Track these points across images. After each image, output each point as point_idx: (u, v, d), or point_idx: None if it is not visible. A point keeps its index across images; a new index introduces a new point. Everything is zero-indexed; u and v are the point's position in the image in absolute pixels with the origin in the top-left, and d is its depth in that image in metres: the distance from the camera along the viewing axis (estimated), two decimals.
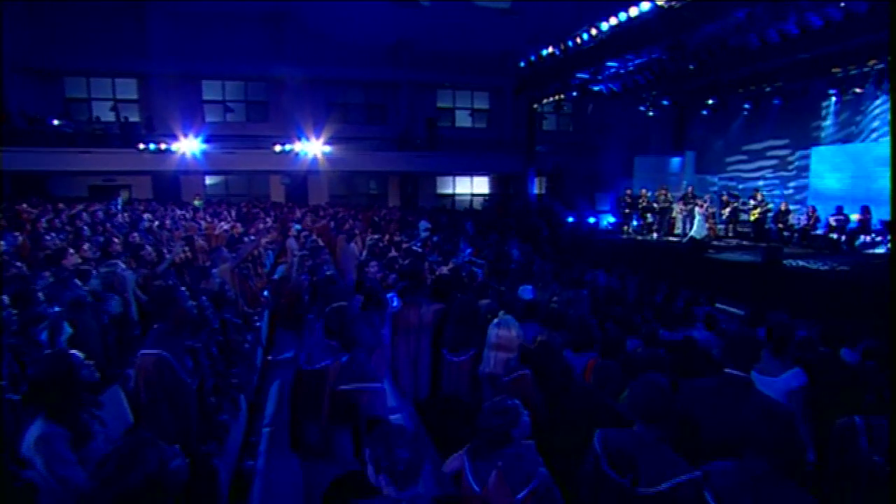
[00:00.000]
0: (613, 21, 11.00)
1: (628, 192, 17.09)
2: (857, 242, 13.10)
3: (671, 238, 15.56)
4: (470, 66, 22.08)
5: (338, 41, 19.88)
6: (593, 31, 11.72)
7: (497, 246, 12.72)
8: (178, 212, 10.45)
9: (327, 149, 19.17)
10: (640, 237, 15.93)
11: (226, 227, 9.37)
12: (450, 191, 25.51)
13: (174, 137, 17.72)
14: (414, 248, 11.72)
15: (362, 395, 2.43)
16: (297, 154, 19.09)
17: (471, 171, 24.67)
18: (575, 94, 14.03)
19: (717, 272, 11.18)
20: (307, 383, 2.81)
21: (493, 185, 25.99)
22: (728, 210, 14.95)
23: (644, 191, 16.60)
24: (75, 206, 12.12)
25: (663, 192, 15.99)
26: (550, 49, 13.70)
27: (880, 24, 9.43)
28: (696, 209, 13.21)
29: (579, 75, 13.04)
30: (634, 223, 16.70)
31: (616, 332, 3.80)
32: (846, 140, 15.38)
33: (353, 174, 22.54)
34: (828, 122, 15.84)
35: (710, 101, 15.64)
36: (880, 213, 13.26)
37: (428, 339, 4.07)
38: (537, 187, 20.11)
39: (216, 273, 3.55)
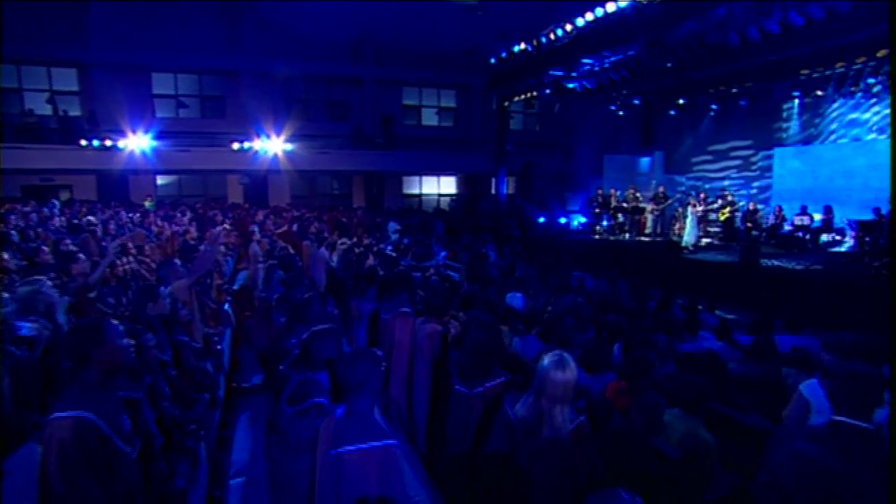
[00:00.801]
0: (589, 17, 10.72)
1: (599, 191, 16.99)
2: (821, 241, 13.38)
3: (643, 238, 15.53)
4: (436, 63, 21.56)
5: (298, 34, 18.96)
6: (568, 27, 11.41)
7: (471, 248, 12.26)
8: (126, 214, 9.46)
9: (288, 147, 18.24)
10: (612, 237, 15.80)
11: (178, 230, 8.48)
12: (416, 191, 24.92)
13: (121, 133, 16.40)
14: (386, 251, 11.11)
15: (369, 457, 1.85)
16: (256, 152, 18.08)
17: (438, 171, 24.16)
18: (548, 91, 13.72)
19: (694, 273, 11.08)
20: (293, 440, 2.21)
21: (460, 184, 25.56)
22: (700, 210, 14.96)
23: (613, 191, 16.53)
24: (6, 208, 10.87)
25: (632, 191, 15.95)
26: (523, 45, 13.35)
27: (853, 27, 9.54)
28: (689, 210, 12.85)
29: (553, 72, 12.72)
30: (605, 223, 16.61)
31: (641, 352, 3.35)
32: (807, 142, 15.72)
33: (315, 174, 21.63)
34: (789, 124, 16.17)
35: (682, 101, 15.67)
36: (840, 212, 13.60)
37: (426, 366, 3.50)
38: (506, 187, 19.78)
39: (166, 293, 2.89)
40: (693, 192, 15.86)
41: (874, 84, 13.09)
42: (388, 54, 20.73)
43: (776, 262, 10.59)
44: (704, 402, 2.77)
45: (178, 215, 11.87)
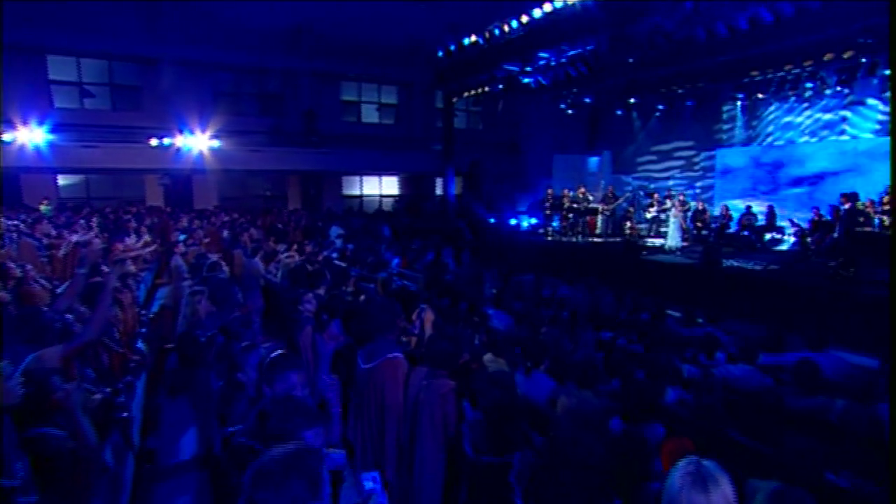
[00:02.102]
0: (548, 7, 10.13)
1: (549, 191, 16.63)
2: (765, 240, 13.66)
3: (595, 239, 15.30)
4: (377, 58, 20.43)
5: (226, 21, 17.21)
6: (524, 19, 10.78)
7: (421, 253, 11.34)
8: (9, 222, 7.71)
9: (215, 144, 16.49)
10: (564, 238, 15.45)
11: (78, 239, 6.94)
12: (357, 192, 23.65)
13: (9, 125, 14.06)
14: (332, 261, 9.98)
15: None
16: (178, 150, 16.21)
17: (380, 171, 23.02)
18: (501, 86, 13.08)
19: (655, 275, 10.81)
20: None
21: (403, 185, 24.56)
22: (653, 210, 14.93)
23: (566, 191, 16.22)
24: None
25: (583, 191, 15.68)
26: (474, 38, 12.61)
27: (805, 29, 9.55)
28: (672, 212, 12.38)
29: (507, 66, 12.07)
30: (555, 224, 16.25)
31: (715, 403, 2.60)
32: (746, 143, 16.13)
33: (246, 173, 19.85)
34: (730, 126, 16.55)
35: (633, 100, 15.56)
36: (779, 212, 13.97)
37: (437, 440, 2.52)
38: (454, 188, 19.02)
39: (19, 373, 1.81)
40: (674, 194, 15.79)
41: (809, 88, 13.51)
42: (327, 46, 19.37)
43: (734, 263, 10.52)
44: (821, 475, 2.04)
45: (82, 222, 10.10)
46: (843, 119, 13.98)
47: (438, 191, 23.38)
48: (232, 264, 8.31)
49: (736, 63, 10.96)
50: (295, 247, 10.68)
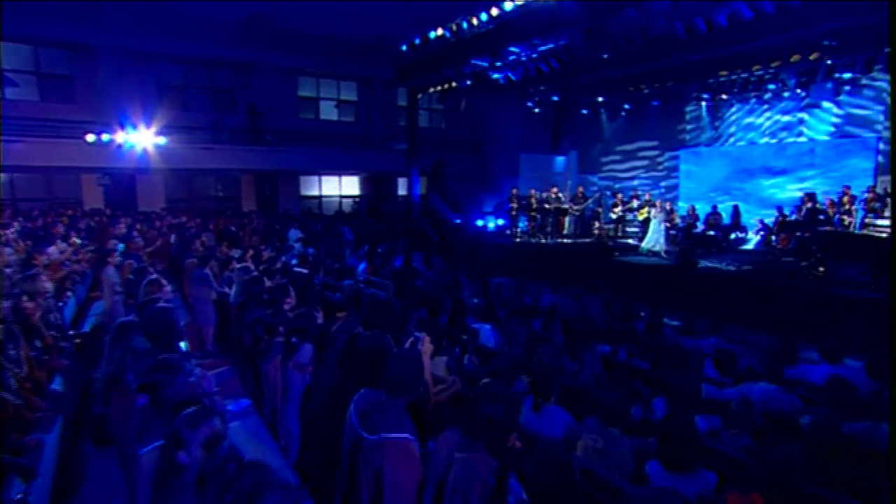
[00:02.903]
0: (519, 0, 9.69)
1: (514, 191, 16.28)
2: (731, 238, 13.75)
3: (565, 240, 15.05)
4: (336, 52, 19.59)
5: (172, 8, 15.96)
6: (494, 12, 10.30)
7: (388, 258, 10.68)
8: None
9: (161, 140, 15.24)
10: (533, 240, 15.12)
11: None
12: (316, 192, 22.66)
13: None
14: (292, 267, 9.21)
15: None
16: (119, 146, 14.86)
17: (339, 170, 22.10)
18: (469, 82, 12.57)
19: (629, 276, 10.57)
20: None
21: (364, 185, 23.74)
22: (619, 210, 14.79)
23: (533, 191, 15.90)
24: None
25: (554, 191, 15.37)
26: (440, 31, 12.05)
27: (780, 28, 9.53)
28: (653, 214, 12.02)
29: (475, 62, 11.58)
30: (522, 225, 15.90)
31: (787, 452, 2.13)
32: (708, 143, 16.29)
33: (196, 173, 18.59)
34: (693, 126, 16.69)
35: (601, 99, 15.40)
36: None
37: None
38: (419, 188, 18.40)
39: None
40: (640, 194, 15.64)
41: (771, 90, 13.69)
42: (283, 39, 18.37)
43: (708, 263, 10.41)
44: None
45: None
46: (801, 121, 14.28)
47: (401, 191, 22.73)
48: (180, 276, 7.45)
49: (706, 62, 10.89)
50: (251, 252, 9.85)
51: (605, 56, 9.50)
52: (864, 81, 13.12)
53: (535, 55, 10.55)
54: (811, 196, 10.95)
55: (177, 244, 8.95)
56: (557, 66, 10.50)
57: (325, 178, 22.63)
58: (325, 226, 15.02)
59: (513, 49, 10.59)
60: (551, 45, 10.07)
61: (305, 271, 7.71)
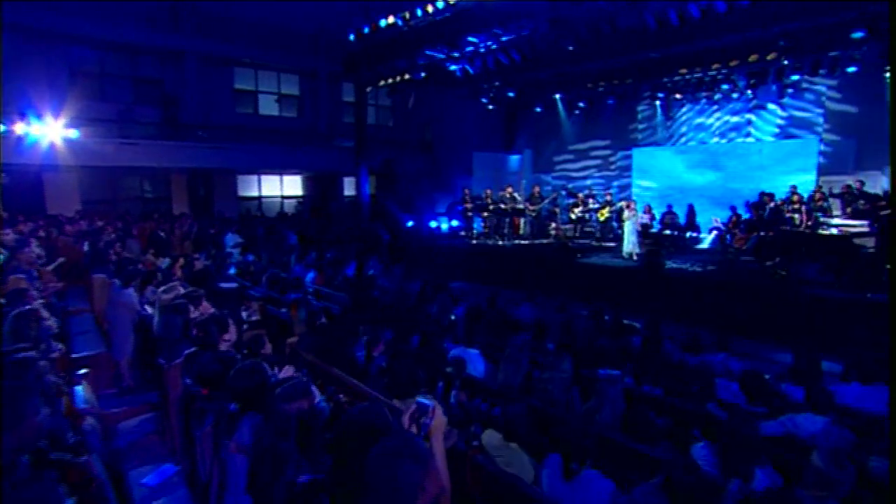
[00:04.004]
0: None
1: (466, 191, 15.67)
2: (686, 237, 13.77)
3: (522, 241, 14.58)
4: (276, 41, 18.25)
5: None
6: None
7: (339, 265, 9.71)
8: None
9: (72, 134, 13.43)
10: (489, 242, 14.55)
11: None
12: (255, 192, 21.14)
13: None
14: (229, 274, 8.14)
15: None
16: (20, 139, 12.94)
17: (281, 168, 20.70)
18: (423, 74, 11.78)
19: (593, 278, 10.18)
20: None
21: (307, 185, 22.43)
22: (579, 210, 14.49)
23: (488, 191, 15.36)
24: None
25: (509, 191, 14.87)
26: (392, 19, 11.20)
27: (741, 27, 9.42)
28: (625, 214, 11.57)
29: (430, 52, 10.82)
30: (477, 226, 15.30)
31: None
32: (661, 143, 16.37)
33: (117, 171, 16.70)
34: (644, 126, 16.73)
35: (558, 96, 15.04)
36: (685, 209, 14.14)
37: None
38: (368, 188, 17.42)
39: None
40: (596, 193, 15.36)
41: (725, 91, 13.84)
42: (216, 25, 16.85)
43: (672, 264, 10.19)
44: None
45: None
46: (749, 122, 14.55)
47: (347, 191, 21.66)
48: (91, 294, 6.23)
49: (666, 59, 10.72)
50: (181, 262, 8.65)
51: (570, 48, 9.00)
52: (804, 85, 13.53)
53: (494, 46, 9.93)
54: (771, 196, 11.00)
55: (89, 254, 7.61)
56: (518, 58, 9.93)
57: (265, 178, 21.16)
58: (266, 229, 13.77)
59: (471, 39, 9.92)
60: (513, 36, 9.48)
61: (245, 283, 6.63)
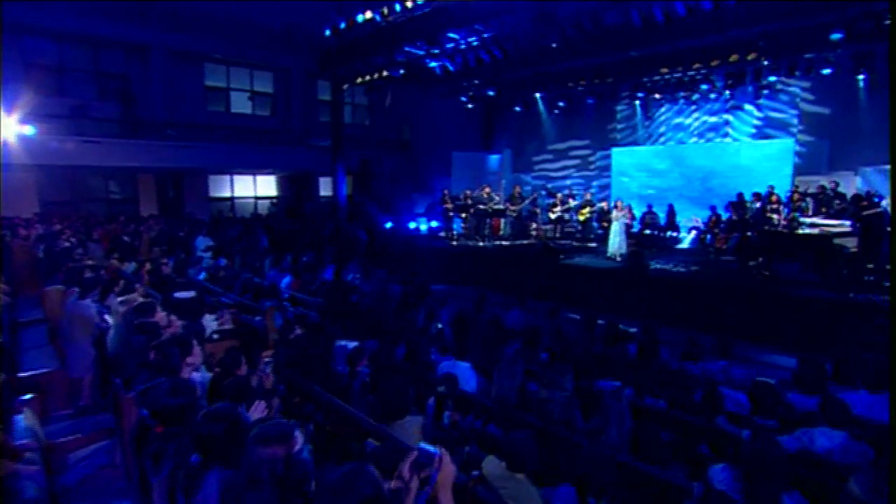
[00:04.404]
0: None
1: (445, 191, 15.39)
2: (666, 237, 13.78)
3: (503, 243, 14.38)
4: (248, 37, 17.66)
5: None
6: None
7: (316, 269, 9.30)
8: None
9: (28, 130, 12.68)
10: (470, 243, 14.30)
11: None
12: (227, 193, 20.47)
13: None
14: (198, 280, 7.70)
15: None
16: None
17: (254, 168, 20.09)
18: (402, 71, 11.46)
19: (576, 280, 10.02)
20: None
21: (281, 185, 21.85)
22: (559, 210, 14.35)
23: (468, 191, 15.12)
24: None
25: (488, 191, 14.64)
26: (369, 14, 10.85)
27: (722, 26, 9.38)
28: (614, 215, 11.36)
29: (410, 49, 10.50)
30: (456, 227, 15.03)
31: None
32: (640, 143, 16.38)
33: (80, 171, 15.90)
34: (623, 126, 16.73)
35: (538, 95, 14.87)
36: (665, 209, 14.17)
37: None
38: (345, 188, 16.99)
39: None
40: (576, 193, 15.23)
41: (704, 91, 13.88)
42: (185, 19, 16.19)
43: (656, 265, 10.10)
44: None
45: None
46: (726, 122, 14.65)
47: (323, 191, 21.18)
48: (45, 304, 5.74)
49: (648, 58, 10.63)
50: (147, 266, 8.17)
51: (554, 45, 8.81)
52: (779, 87, 13.69)
53: (476, 42, 9.68)
54: (758, 195, 11.04)
55: (44, 260, 7.06)
56: (500, 55, 9.70)
57: (237, 178, 20.52)
58: (239, 232, 13.25)
59: (452, 35, 9.65)
60: (495, 32, 9.25)
61: (192, 294, 6.15)
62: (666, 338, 6.36)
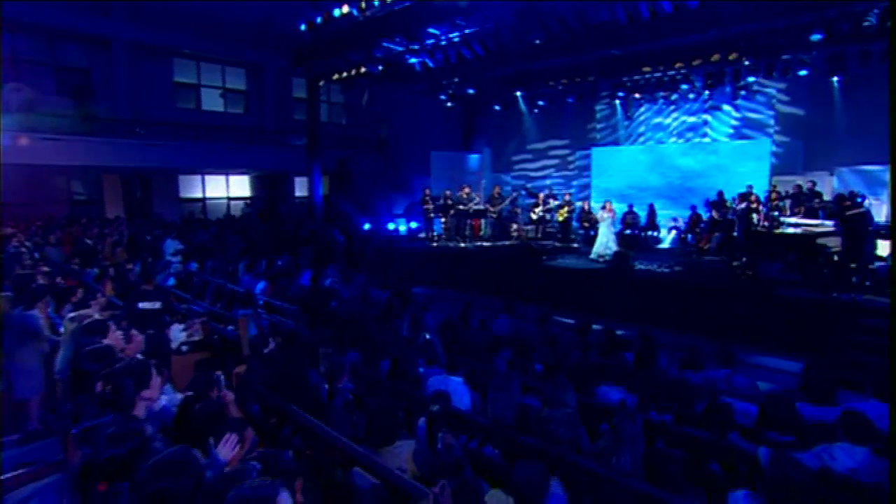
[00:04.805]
0: None
1: (426, 191, 15.07)
2: (647, 236, 13.76)
3: (483, 244, 14.14)
4: (220, 32, 17.06)
5: None
6: None
7: (292, 273, 8.88)
8: None
9: None
10: (451, 244, 14.03)
11: None
12: (199, 194, 19.78)
13: None
14: (167, 287, 7.26)
15: None
16: None
17: (226, 168, 19.45)
18: (380, 67, 11.10)
19: (560, 283, 9.84)
20: None
21: (255, 185, 21.23)
22: (539, 210, 14.17)
23: (448, 191, 14.82)
24: None
25: (467, 191, 14.36)
26: (346, 8, 10.49)
27: (703, 25, 9.32)
28: (601, 216, 11.12)
29: (388, 44, 10.17)
30: (437, 228, 14.72)
31: None
32: (619, 143, 16.36)
33: (40, 170, 15.06)
34: (603, 125, 16.70)
35: (519, 94, 14.68)
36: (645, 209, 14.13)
37: None
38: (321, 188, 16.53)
39: None
40: (557, 193, 15.02)
41: (684, 90, 13.90)
42: (151, 12, 15.51)
43: (640, 266, 9.99)
44: None
45: None
46: (705, 122, 14.72)
47: (299, 192, 20.67)
48: None
49: (630, 57, 10.52)
50: (111, 271, 7.68)
51: (537, 42, 8.60)
52: (755, 87, 13.81)
53: (457, 38, 9.41)
54: (744, 195, 11.05)
55: None
56: (482, 51, 9.44)
57: (209, 178, 19.83)
58: (210, 234, 12.69)
59: (432, 31, 9.37)
60: (476, 28, 8.99)
61: (157, 306, 5.69)
62: (660, 340, 6.19)
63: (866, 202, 8.53)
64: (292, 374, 3.42)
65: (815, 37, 9.07)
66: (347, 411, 3.28)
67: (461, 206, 14.10)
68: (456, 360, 3.82)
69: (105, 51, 15.43)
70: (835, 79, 12.08)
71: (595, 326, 5.28)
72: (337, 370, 3.38)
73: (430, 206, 14.49)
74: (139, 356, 3.33)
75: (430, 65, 10.51)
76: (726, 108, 14.36)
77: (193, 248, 10.61)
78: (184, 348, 5.39)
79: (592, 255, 10.72)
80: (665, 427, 3.13)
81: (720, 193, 12.41)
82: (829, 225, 8.85)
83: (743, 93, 14.00)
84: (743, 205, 9.86)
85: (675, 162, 15.13)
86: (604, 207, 11.11)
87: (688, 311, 7.80)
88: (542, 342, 4.61)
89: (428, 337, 4.22)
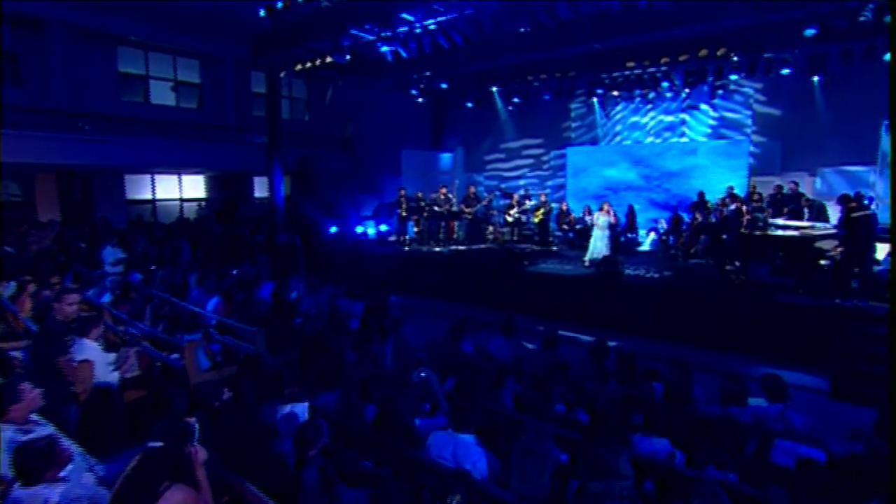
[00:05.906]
0: None
1: (402, 192, 14.17)
2: (627, 238, 13.32)
3: (459, 247, 13.38)
4: (170, 18, 15.66)
5: None
6: None
7: (251, 285, 7.84)
8: None
9: None
10: (424, 248, 13.21)
11: None
12: (148, 195, 18.23)
13: None
14: (100, 304, 6.16)
15: None
16: None
17: (179, 167, 17.98)
18: (348, 57, 10.17)
19: (543, 289, 9.18)
20: None
21: (211, 186, 19.79)
22: (515, 211, 13.52)
23: (419, 193, 13.98)
24: None
25: (443, 192, 13.58)
26: None
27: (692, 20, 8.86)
28: (598, 218, 10.45)
29: (357, 32, 9.26)
30: (410, 231, 13.85)
31: None
32: (595, 142, 15.92)
33: None
34: (578, 124, 16.24)
35: (495, 89, 13.97)
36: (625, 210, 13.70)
37: None
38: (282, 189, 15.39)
39: None
40: (532, 193, 14.40)
41: (661, 88, 13.53)
42: None
43: (627, 270, 9.43)
44: None
45: None
46: (683, 122, 14.44)
47: (258, 192, 19.40)
48: None
49: (614, 52, 9.99)
50: (31, 288, 6.52)
51: (522, 30, 7.90)
52: (732, 87, 13.60)
53: (433, 26, 8.60)
54: (734, 196, 10.66)
55: None
56: (461, 40, 8.66)
57: (160, 178, 18.30)
58: (157, 241, 11.40)
59: (406, 17, 8.52)
60: (454, 15, 8.21)
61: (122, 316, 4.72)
62: (662, 352, 5.57)
63: (872, 205, 8.21)
64: (250, 441, 2.54)
65: (809, 32, 8.72)
66: (325, 490, 2.43)
67: (437, 208, 13.30)
68: (455, 402, 3.00)
69: (36, 35, 13.86)
70: (815, 78, 11.92)
71: (611, 343, 4.54)
72: (312, 434, 2.51)
73: (405, 207, 13.60)
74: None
75: (403, 55, 9.64)
76: (704, 107, 14.12)
77: (137, 255, 9.40)
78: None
79: (586, 259, 10.07)
80: (731, 489, 2.41)
81: (701, 194, 12.08)
82: (824, 227, 8.49)
83: (720, 92, 13.78)
84: (733, 206, 9.42)
85: (653, 162, 14.77)
86: (601, 208, 10.49)
87: (686, 320, 7.26)
88: (552, 371, 3.85)
89: (423, 375, 3.40)
